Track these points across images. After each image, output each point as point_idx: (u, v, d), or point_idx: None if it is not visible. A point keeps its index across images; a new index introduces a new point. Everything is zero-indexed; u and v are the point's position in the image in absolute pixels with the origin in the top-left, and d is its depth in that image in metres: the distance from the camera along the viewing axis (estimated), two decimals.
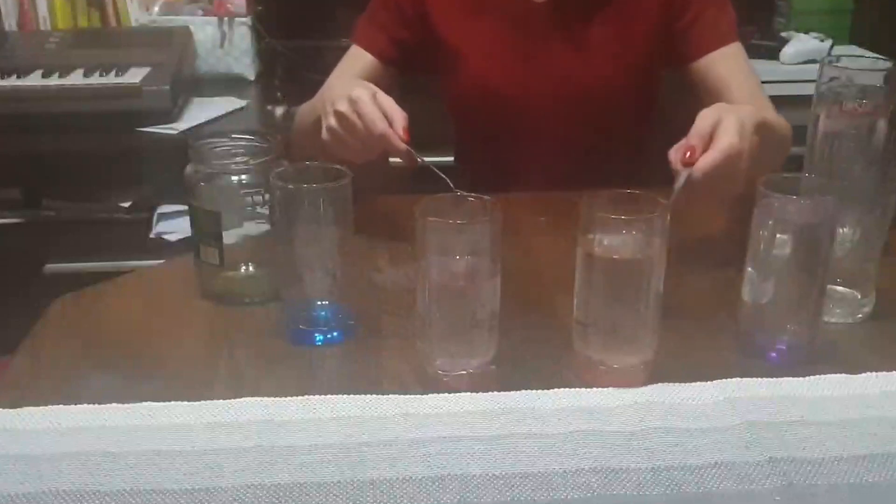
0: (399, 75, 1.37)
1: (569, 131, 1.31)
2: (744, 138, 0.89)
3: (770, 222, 0.81)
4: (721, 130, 0.89)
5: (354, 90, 1.02)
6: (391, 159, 1.14)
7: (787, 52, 2.07)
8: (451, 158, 1.52)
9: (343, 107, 1.01)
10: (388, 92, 1.32)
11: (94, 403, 0.76)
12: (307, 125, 1.17)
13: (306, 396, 0.77)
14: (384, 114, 1.00)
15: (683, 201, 0.86)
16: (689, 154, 0.88)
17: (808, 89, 0.93)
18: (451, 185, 0.98)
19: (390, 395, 0.77)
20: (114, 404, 0.76)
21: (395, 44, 1.34)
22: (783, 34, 2.17)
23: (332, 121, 1.03)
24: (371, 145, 1.01)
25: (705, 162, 0.87)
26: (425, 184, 1.00)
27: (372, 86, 1.04)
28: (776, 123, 1.11)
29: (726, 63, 1.26)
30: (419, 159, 1.02)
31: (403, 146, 1.00)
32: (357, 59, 1.34)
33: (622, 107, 1.32)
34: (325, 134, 1.05)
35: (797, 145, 0.95)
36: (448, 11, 1.32)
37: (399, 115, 1.01)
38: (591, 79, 1.29)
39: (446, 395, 0.77)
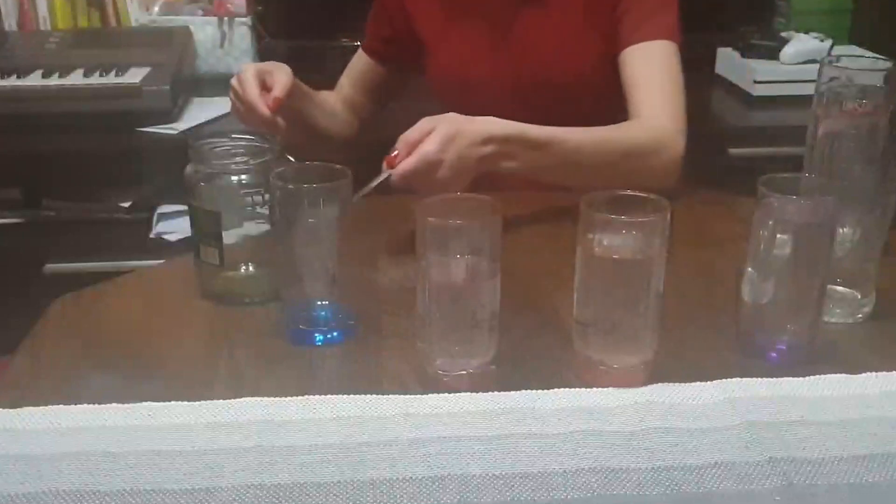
0: (401, 72, 1.46)
1: (539, 118, 1.31)
2: (446, 150, 0.99)
3: (770, 222, 0.81)
4: (427, 140, 0.99)
5: (243, 68, 1.20)
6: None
7: (787, 52, 2.07)
8: None
9: (233, 80, 1.19)
10: (389, 89, 1.47)
11: (94, 403, 0.76)
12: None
13: (306, 396, 0.77)
14: (267, 88, 1.16)
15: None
16: (393, 155, 0.99)
17: (808, 89, 0.93)
18: (286, 157, 1.11)
19: (390, 395, 0.77)
20: (114, 404, 0.76)
21: (384, 42, 1.44)
22: (783, 34, 2.17)
23: (230, 93, 1.21)
24: (249, 112, 1.17)
25: (402, 167, 0.98)
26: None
27: (269, 66, 1.20)
28: (577, 140, 1.11)
29: (642, 61, 1.25)
30: (281, 127, 1.16)
31: (265, 111, 1.14)
32: (357, 59, 1.48)
33: (592, 91, 1.33)
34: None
35: (797, 145, 0.95)
36: (421, 3, 1.38)
37: (278, 89, 1.16)
38: (559, 64, 1.32)
39: (446, 395, 0.77)
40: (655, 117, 1.20)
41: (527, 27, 1.33)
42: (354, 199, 0.88)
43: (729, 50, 2.14)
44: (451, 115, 1.03)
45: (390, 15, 1.41)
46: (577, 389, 0.78)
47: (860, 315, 0.92)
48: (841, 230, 0.88)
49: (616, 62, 1.30)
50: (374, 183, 0.98)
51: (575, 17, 1.32)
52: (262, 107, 1.14)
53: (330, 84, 1.47)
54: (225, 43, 2.18)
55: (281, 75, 1.18)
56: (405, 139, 1.00)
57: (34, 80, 1.92)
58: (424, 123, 1.01)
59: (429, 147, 0.98)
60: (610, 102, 1.32)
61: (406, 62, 1.45)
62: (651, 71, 1.24)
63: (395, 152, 0.99)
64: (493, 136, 1.04)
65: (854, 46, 2.21)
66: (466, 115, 1.34)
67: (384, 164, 0.99)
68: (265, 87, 1.17)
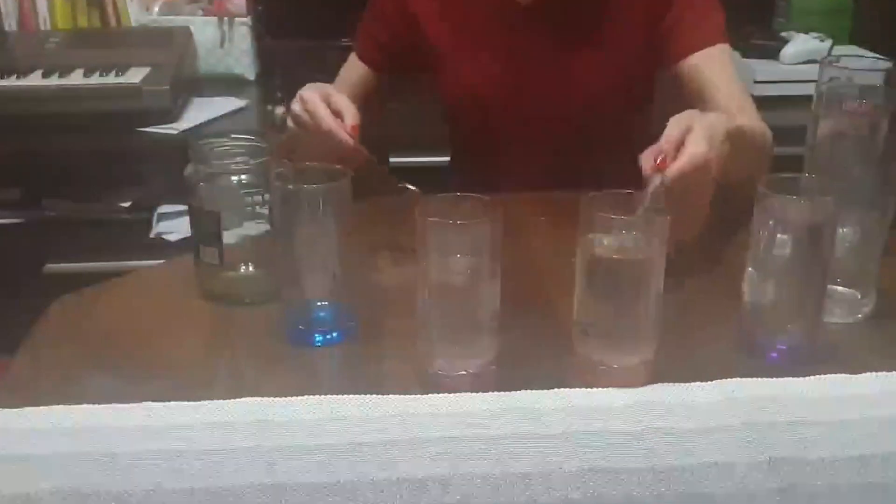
0: (397, 80, 1.40)
1: (558, 133, 1.32)
2: (712, 147, 0.90)
3: (770, 222, 0.81)
4: (690, 139, 0.90)
5: (305, 92, 1.08)
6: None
7: (787, 52, 2.07)
8: (448, 158, 1.53)
9: (296, 107, 1.09)
10: (384, 98, 1.39)
11: (94, 403, 0.76)
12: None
13: (306, 396, 0.77)
14: (337, 113, 1.05)
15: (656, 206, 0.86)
16: (659, 160, 0.88)
17: (808, 89, 0.93)
18: (404, 185, 1.05)
19: (390, 396, 0.77)
20: (114, 404, 0.76)
21: (382, 49, 1.37)
22: (783, 34, 2.17)
23: (290, 122, 1.11)
24: (324, 141, 1.05)
25: (675, 168, 0.87)
26: (423, 186, 1.03)
27: (328, 88, 1.09)
28: (753, 130, 1.11)
29: (710, 65, 1.24)
30: (367, 154, 1.05)
31: (350, 140, 1.03)
32: (352, 68, 1.40)
33: (611, 108, 1.32)
34: (284, 137, 1.13)
35: (797, 145, 0.95)
36: (431, 14, 1.33)
37: (350, 113, 1.05)
38: (578, 82, 1.30)
39: (446, 395, 0.77)
40: (748, 115, 1.19)
41: (549, 44, 1.29)
42: (638, 214, 0.79)
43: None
44: (694, 111, 0.96)
45: (389, 20, 1.36)
46: (577, 389, 0.78)
47: (860, 315, 0.92)
48: (841, 230, 0.88)
49: (636, 75, 1.30)
50: (650, 190, 0.85)
51: (599, 37, 1.29)
52: (346, 136, 1.04)
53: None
54: (225, 43, 2.18)
55: (342, 98, 1.09)
56: (669, 139, 0.90)
57: (34, 80, 1.91)
58: (680, 121, 0.92)
59: (699, 147, 0.89)
60: (628, 115, 1.32)
61: (403, 70, 1.41)
62: (722, 75, 1.24)
63: (662, 156, 0.88)
64: (729, 131, 0.97)
65: (854, 46, 2.21)
66: (484, 131, 1.34)
67: (648, 171, 0.88)
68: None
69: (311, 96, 1.07)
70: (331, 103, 1.07)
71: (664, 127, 0.92)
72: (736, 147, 0.97)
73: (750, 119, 1.19)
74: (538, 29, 1.29)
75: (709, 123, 0.93)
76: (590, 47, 1.29)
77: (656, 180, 0.86)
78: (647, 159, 0.89)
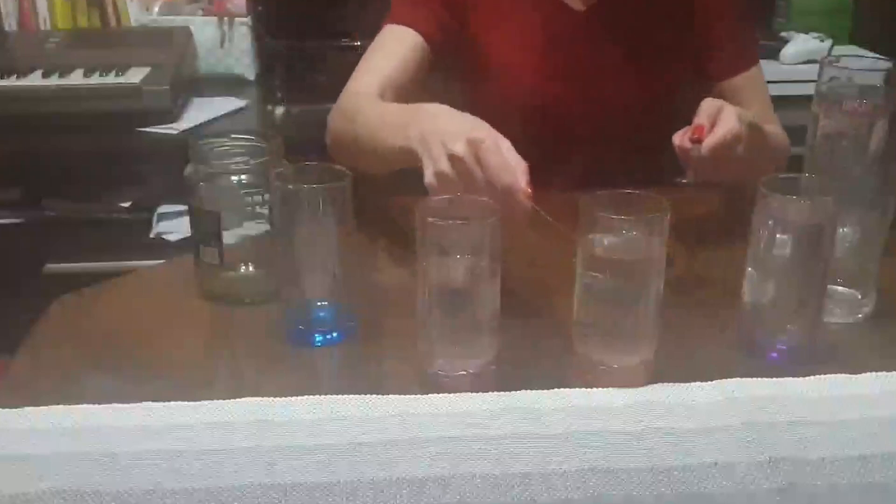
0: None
1: (600, 140, 1.30)
2: (743, 124, 0.98)
3: (770, 222, 0.81)
4: (723, 115, 0.98)
5: (474, 131, 0.88)
6: None
7: (787, 52, 2.08)
8: None
9: (460, 149, 0.86)
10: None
11: (94, 403, 0.76)
12: (380, 147, 1.02)
13: (306, 396, 0.77)
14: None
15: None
16: (696, 132, 0.96)
17: (808, 89, 0.93)
18: (565, 232, 0.85)
19: (390, 396, 0.77)
20: (114, 404, 0.76)
21: (442, 27, 1.23)
22: (783, 34, 2.17)
23: (445, 165, 0.87)
24: (490, 195, 0.83)
25: (713, 139, 0.95)
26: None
27: (492, 129, 0.89)
28: (772, 134, 1.17)
29: (750, 86, 1.31)
30: (545, 216, 0.87)
31: (529, 204, 0.84)
32: (400, 41, 1.20)
33: (653, 116, 1.29)
34: (430, 178, 0.88)
35: (797, 145, 0.96)
36: (487, 13, 1.27)
37: (522, 166, 0.85)
38: (627, 89, 1.29)
39: (446, 395, 0.77)
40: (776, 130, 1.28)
41: (610, 47, 1.28)
42: (688, 180, 0.85)
43: None
44: (711, 98, 1.02)
45: (452, 3, 1.24)
46: (577, 389, 0.78)
47: (860, 315, 0.92)
48: (841, 230, 0.88)
49: (678, 84, 1.31)
50: (695, 156, 0.96)
51: (650, 45, 1.29)
52: (524, 197, 0.84)
53: (331, 84, 1.39)
54: (225, 43, 2.18)
55: (509, 146, 0.88)
56: (707, 113, 0.98)
57: (34, 80, 1.92)
58: (713, 102, 1.00)
59: (733, 122, 0.97)
60: (666, 125, 1.31)
61: (449, 60, 1.27)
62: (759, 96, 1.32)
63: (699, 127, 0.96)
64: (751, 123, 1.03)
65: (854, 46, 2.21)
66: (527, 136, 1.10)
67: (685, 143, 0.96)
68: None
69: (486, 139, 0.87)
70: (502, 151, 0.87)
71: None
72: (754, 141, 1.02)
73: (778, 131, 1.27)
74: (593, 36, 1.28)
75: (737, 108, 1.00)
76: (641, 55, 1.29)
77: (695, 152, 0.95)
78: (680, 137, 0.97)
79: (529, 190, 0.84)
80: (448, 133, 0.88)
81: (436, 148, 0.88)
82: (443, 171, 0.87)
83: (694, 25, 1.29)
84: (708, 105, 0.99)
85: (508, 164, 0.85)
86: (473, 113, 0.96)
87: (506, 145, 0.87)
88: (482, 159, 0.86)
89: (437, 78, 1.28)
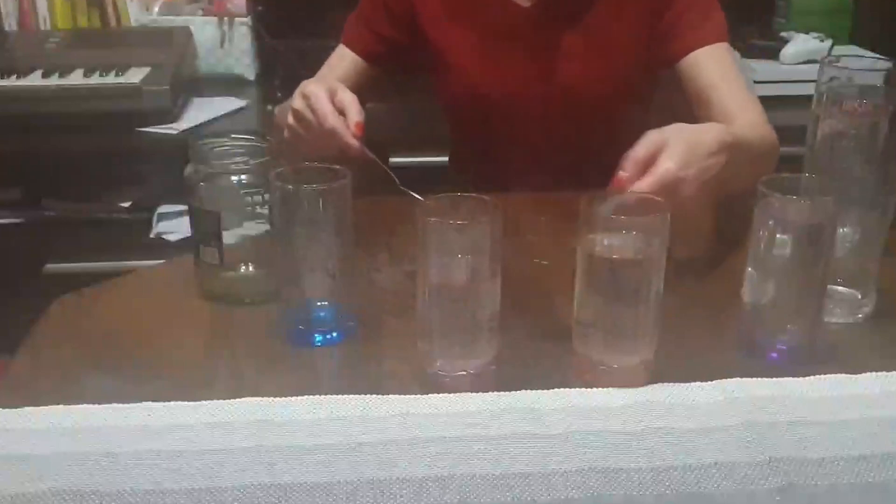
0: (388, 74, 1.38)
1: (557, 133, 1.32)
2: (688, 165, 0.87)
3: (770, 222, 0.81)
4: (663, 156, 0.86)
5: (309, 86, 1.05)
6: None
7: (787, 52, 2.08)
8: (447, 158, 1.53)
9: (298, 103, 1.06)
10: (373, 90, 1.34)
11: (94, 403, 0.76)
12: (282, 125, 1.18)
13: (306, 396, 0.77)
14: (340, 110, 1.03)
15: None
16: (616, 185, 0.84)
17: (808, 89, 0.93)
18: (398, 183, 1.03)
19: (390, 396, 0.77)
20: (114, 404, 0.76)
21: (381, 41, 1.34)
22: (783, 34, 2.17)
23: (290, 118, 1.08)
24: (325, 140, 1.03)
25: (639, 188, 0.84)
26: (423, 186, 1.00)
27: (334, 83, 1.06)
28: (752, 140, 1.07)
29: (709, 64, 1.22)
30: (371, 156, 1.03)
31: (354, 141, 1.01)
32: (341, 58, 1.35)
33: (610, 108, 1.31)
34: (286, 132, 1.09)
35: (797, 145, 0.95)
36: (435, 14, 1.32)
37: (354, 111, 1.02)
38: (578, 82, 1.30)
39: (446, 395, 0.77)
40: (751, 115, 1.17)
41: (549, 45, 1.29)
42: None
43: None
44: (679, 125, 0.92)
45: (395, 17, 1.34)
46: (577, 389, 0.78)
47: (860, 315, 0.92)
48: (841, 230, 0.88)
49: (635, 75, 1.30)
50: (603, 210, 0.79)
51: (600, 36, 1.29)
52: (350, 137, 1.01)
53: None
54: (225, 43, 2.18)
55: (348, 94, 1.05)
56: (633, 158, 0.86)
57: (34, 80, 1.92)
58: (653, 137, 0.88)
59: (668, 164, 0.85)
60: (629, 115, 1.30)
61: (407, 68, 1.39)
62: (726, 73, 1.22)
63: (621, 175, 0.85)
64: (725, 143, 0.93)
65: (854, 46, 2.21)
66: (483, 130, 1.32)
67: (611, 186, 0.85)
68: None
69: (317, 92, 1.03)
70: (335, 101, 1.03)
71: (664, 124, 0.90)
72: (736, 159, 0.94)
73: (753, 117, 1.17)
74: (537, 29, 1.29)
75: (688, 139, 0.89)
76: (591, 46, 1.29)
77: (613, 201, 0.80)
78: (619, 172, 0.86)
79: (356, 130, 1.01)
80: (296, 92, 1.08)
81: (290, 104, 1.09)
82: (290, 123, 1.09)
83: (649, 11, 1.27)
84: (643, 145, 0.87)
85: (338, 109, 1.03)
86: (440, 103, 1.24)
87: (343, 95, 1.04)
88: (312, 107, 1.03)
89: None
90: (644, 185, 0.84)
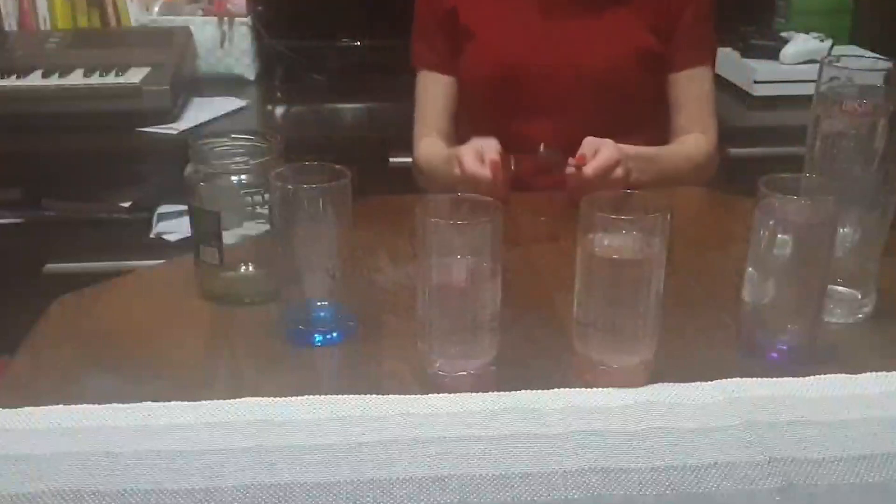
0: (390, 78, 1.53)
1: (582, 111, 1.38)
2: (622, 155, 1.19)
3: (770, 222, 0.81)
4: (604, 147, 1.18)
5: (460, 150, 1.25)
6: None
7: (787, 52, 2.07)
8: None
9: (465, 159, 1.23)
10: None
11: (94, 403, 0.76)
12: (446, 178, 1.33)
13: (306, 396, 0.77)
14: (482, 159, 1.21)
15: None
16: (579, 161, 1.18)
17: (808, 89, 0.93)
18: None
19: (390, 396, 0.77)
20: (114, 404, 0.76)
21: (442, 54, 1.45)
22: (783, 34, 2.17)
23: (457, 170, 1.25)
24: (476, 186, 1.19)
25: (594, 163, 1.17)
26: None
27: (477, 144, 1.24)
28: (665, 154, 1.38)
29: (694, 84, 1.41)
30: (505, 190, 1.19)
31: (487, 175, 1.19)
32: (432, 85, 1.48)
33: (634, 89, 1.40)
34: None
35: (797, 145, 0.95)
36: (469, 1, 1.42)
37: (490, 151, 1.22)
38: (604, 60, 1.37)
39: (446, 395, 0.77)
40: (706, 134, 1.42)
41: (578, 22, 1.38)
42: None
43: (729, 50, 2.14)
44: (606, 140, 1.21)
45: (439, 21, 1.44)
46: (577, 389, 0.78)
47: (860, 315, 0.92)
48: (841, 230, 0.88)
49: (657, 61, 1.40)
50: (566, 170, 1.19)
51: (624, 16, 1.38)
52: (483, 170, 1.19)
53: (331, 84, 1.44)
54: (225, 43, 2.18)
55: (489, 142, 1.24)
56: (588, 145, 1.19)
57: (34, 80, 1.91)
58: (592, 139, 1.20)
59: (611, 151, 1.18)
60: (652, 99, 1.43)
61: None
62: (700, 93, 1.43)
63: (581, 154, 1.18)
64: (630, 155, 1.22)
65: (854, 46, 2.21)
66: (507, 106, 1.43)
67: (571, 164, 1.18)
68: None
69: (464, 154, 1.22)
70: (477, 154, 1.21)
71: None
72: (645, 167, 1.26)
73: (699, 137, 1.41)
74: (567, 5, 1.38)
75: (618, 145, 1.20)
76: (616, 27, 1.38)
77: (570, 168, 1.18)
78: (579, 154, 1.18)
79: (490, 166, 1.19)
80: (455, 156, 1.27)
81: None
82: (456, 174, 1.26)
83: (661, 9, 1.38)
84: (590, 141, 1.19)
85: (477, 164, 1.21)
86: (466, 81, 1.44)
87: (487, 148, 1.23)
88: (461, 163, 1.23)
89: None
90: (597, 161, 1.17)
